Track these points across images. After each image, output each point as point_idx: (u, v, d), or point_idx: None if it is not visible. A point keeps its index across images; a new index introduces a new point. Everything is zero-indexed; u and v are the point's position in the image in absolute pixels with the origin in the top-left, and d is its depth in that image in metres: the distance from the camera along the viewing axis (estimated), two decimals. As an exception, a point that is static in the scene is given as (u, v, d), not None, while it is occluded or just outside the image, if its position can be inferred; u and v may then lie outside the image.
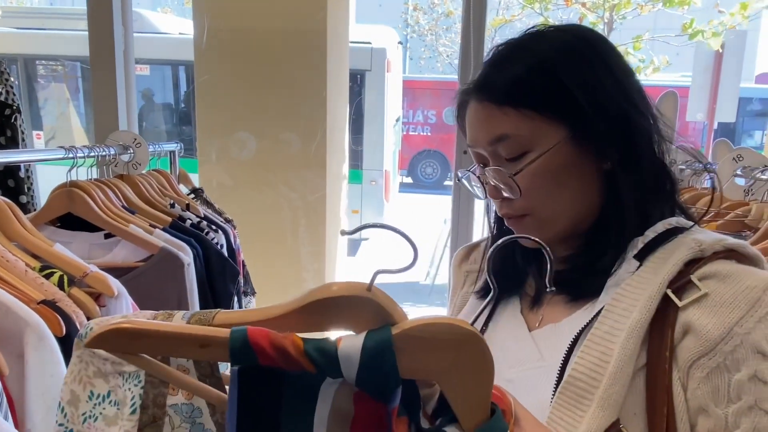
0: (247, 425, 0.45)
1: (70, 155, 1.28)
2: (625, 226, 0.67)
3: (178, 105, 6.59)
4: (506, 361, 0.71)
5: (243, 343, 0.43)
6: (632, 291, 0.63)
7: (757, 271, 0.62)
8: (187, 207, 1.53)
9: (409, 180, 10.90)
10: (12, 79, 1.85)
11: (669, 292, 0.61)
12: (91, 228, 1.29)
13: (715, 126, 6.31)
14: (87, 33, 1.92)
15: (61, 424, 0.52)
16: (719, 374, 0.58)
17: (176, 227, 1.40)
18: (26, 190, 1.79)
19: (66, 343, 0.90)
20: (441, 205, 6.03)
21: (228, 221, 1.64)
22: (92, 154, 1.35)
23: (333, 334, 0.45)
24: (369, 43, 5.82)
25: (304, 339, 0.44)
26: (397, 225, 0.44)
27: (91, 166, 1.38)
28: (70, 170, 1.29)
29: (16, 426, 0.85)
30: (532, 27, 0.72)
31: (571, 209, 0.69)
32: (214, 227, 1.51)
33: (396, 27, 8.76)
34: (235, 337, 0.43)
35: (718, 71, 5.84)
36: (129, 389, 0.53)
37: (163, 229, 1.35)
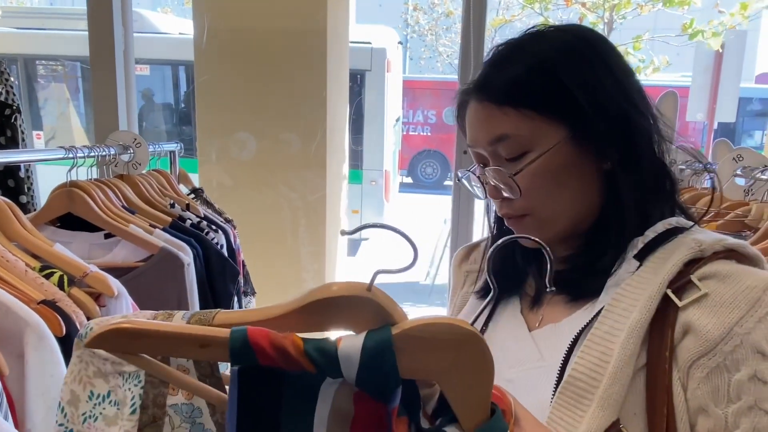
0: (247, 425, 0.45)
1: (70, 155, 1.28)
2: (625, 226, 0.67)
3: (178, 105, 6.59)
4: (506, 361, 0.71)
5: (243, 343, 0.43)
6: (632, 291, 0.63)
7: (757, 271, 0.62)
8: (187, 207, 1.53)
9: (409, 180, 10.90)
10: (12, 79, 1.85)
11: (669, 292, 0.62)
12: (91, 228, 1.29)
13: (715, 126, 6.31)
14: (87, 33, 1.92)
15: (61, 424, 0.52)
16: (719, 374, 0.58)
17: (176, 227, 1.40)
18: (26, 190, 1.79)
19: (66, 343, 0.90)
20: (441, 205, 6.03)
21: (228, 221, 1.64)
22: (92, 154, 1.35)
23: (333, 334, 0.45)
24: (369, 43, 5.82)
25: (304, 339, 0.44)
26: (397, 225, 0.44)
27: (91, 166, 1.38)
28: (70, 170, 1.29)
29: (16, 426, 0.85)
30: (532, 27, 0.72)
31: (571, 209, 0.69)
32: (214, 227, 1.51)
33: (396, 27, 8.76)
34: (235, 337, 0.43)
35: (718, 71, 5.84)
36: (129, 389, 0.53)
37: (163, 229, 1.35)
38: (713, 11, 6.67)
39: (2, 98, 1.77)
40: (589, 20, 6.81)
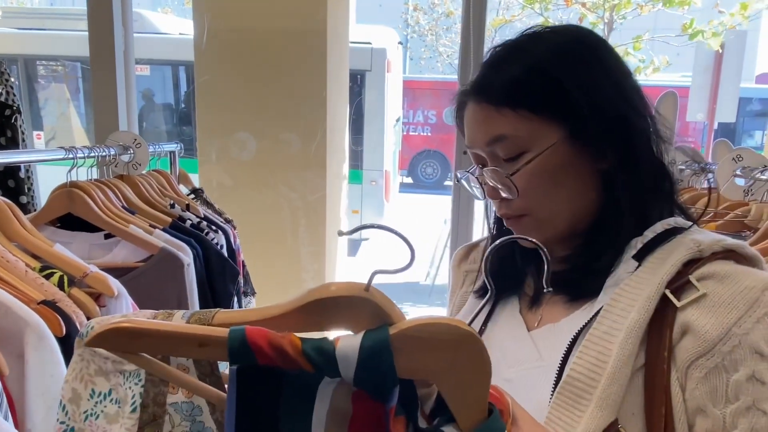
0: (246, 424, 0.46)
1: (70, 156, 1.29)
2: (623, 226, 0.68)
3: (179, 105, 6.60)
4: (505, 360, 0.71)
5: (241, 342, 0.43)
6: (631, 291, 0.63)
7: (756, 272, 0.62)
8: (187, 207, 1.53)
9: (409, 180, 10.91)
10: (12, 79, 1.85)
11: (667, 292, 0.62)
12: (91, 228, 1.30)
13: (716, 126, 6.31)
14: (87, 33, 1.92)
15: (62, 422, 0.53)
16: (717, 374, 0.58)
17: (176, 227, 1.40)
18: (26, 191, 1.79)
19: (66, 343, 0.91)
20: (441, 205, 6.03)
21: (228, 221, 1.64)
22: (92, 154, 1.35)
23: (332, 334, 0.46)
24: (369, 43, 5.82)
25: (302, 339, 0.44)
26: (397, 225, 0.45)
27: (91, 167, 1.39)
28: (70, 171, 1.29)
29: (17, 426, 0.85)
30: (530, 28, 0.72)
31: (569, 209, 0.70)
32: (213, 227, 1.51)
33: (396, 27, 8.77)
34: (233, 336, 0.44)
35: (718, 71, 5.84)
36: (130, 388, 0.53)
37: (163, 230, 1.35)
38: (713, 11, 6.67)
39: (2, 99, 1.77)
40: (589, 20, 6.81)
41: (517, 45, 0.71)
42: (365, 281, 0.44)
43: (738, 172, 1.31)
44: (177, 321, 0.51)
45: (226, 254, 1.49)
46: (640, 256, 0.66)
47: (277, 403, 0.45)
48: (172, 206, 1.49)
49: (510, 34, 0.74)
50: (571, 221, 0.70)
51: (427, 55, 14.52)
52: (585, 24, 6.67)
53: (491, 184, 0.70)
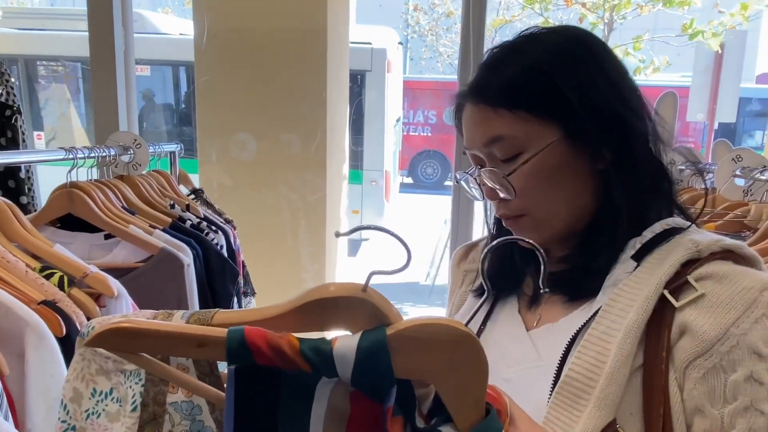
0: (245, 423, 0.46)
1: (71, 156, 1.29)
2: (621, 226, 0.68)
3: (179, 105, 6.60)
4: (504, 360, 0.71)
5: (240, 342, 0.44)
6: (629, 291, 0.63)
7: (754, 272, 0.62)
8: (187, 208, 1.54)
9: (409, 180, 10.91)
10: (12, 79, 1.85)
11: (666, 292, 0.62)
12: (91, 229, 1.30)
13: (716, 126, 6.31)
14: (87, 34, 1.92)
15: (63, 421, 0.53)
16: (715, 375, 0.58)
17: (176, 228, 1.40)
18: (27, 191, 1.79)
19: (66, 344, 0.91)
20: (441, 206, 6.03)
21: (228, 222, 1.64)
22: (92, 155, 1.35)
23: (330, 335, 0.46)
24: (369, 43, 5.82)
25: (300, 339, 0.44)
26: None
27: (92, 167, 1.39)
28: (70, 171, 1.29)
29: (17, 426, 0.85)
30: (527, 29, 0.72)
31: (567, 209, 0.70)
32: (213, 228, 1.51)
33: (396, 27, 8.76)
34: (232, 336, 0.44)
35: (718, 71, 5.84)
36: (130, 387, 0.54)
37: (163, 230, 1.35)
38: (713, 11, 6.67)
39: (3, 99, 1.78)
40: (589, 20, 6.81)
41: (513, 46, 0.71)
42: (364, 282, 0.45)
43: (737, 173, 1.31)
44: (176, 321, 0.51)
45: (226, 254, 1.49)
46: (639, 257, 0.66)
47: (276, 403, 0.46)
48: (172, 207, 1.49)
49: (510, 34, 0.74)
50: (569, 221, 0.70)
51: (428, 55, 14.52)
52: (585, 24, 6.68)
53: (489, 184, 0.71)
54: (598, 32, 6.77)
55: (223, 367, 0.54)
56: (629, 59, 6.66)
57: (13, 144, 1.74)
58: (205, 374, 0.54)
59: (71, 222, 1.30)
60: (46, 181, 1.67)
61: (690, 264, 0.63)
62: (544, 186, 0.68)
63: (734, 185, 1.33)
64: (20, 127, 1.75)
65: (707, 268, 0.62)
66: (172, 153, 1.74)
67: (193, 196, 1.70)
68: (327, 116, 2.40)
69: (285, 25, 2.33)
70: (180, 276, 1.28)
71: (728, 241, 0.64)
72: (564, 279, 0.70)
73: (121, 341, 0.48)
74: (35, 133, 6.24)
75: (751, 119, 9.58)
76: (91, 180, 1.37)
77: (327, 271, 2.55)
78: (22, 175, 1.78)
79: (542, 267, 0.58)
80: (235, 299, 1.49)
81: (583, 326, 0.65)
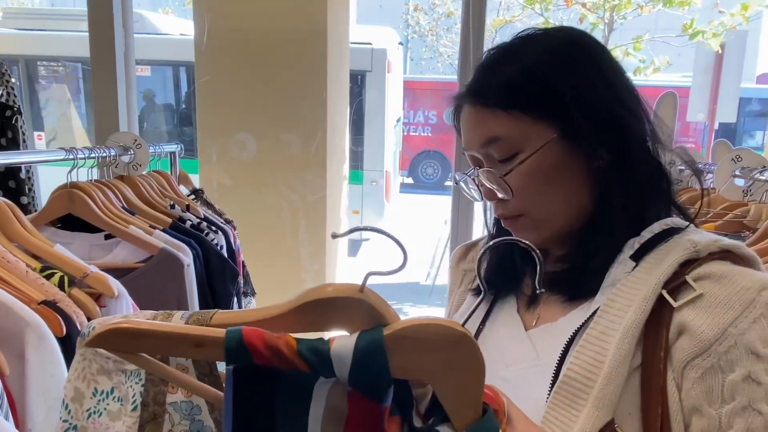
0: (243, 423, 0.46)
1: (71, 156, 1.29)
2: (619, 226, 0.68)
3: (179, 106, 6.60)
4: (503, 360, 0.71)
5: (238, 343, 0.44)
6: (627, 291, 0.64)
7: (752, 272, 0.62)
8: (187, 208, 1.54)
9: (409, 180, 10.91)
10: (13, 80, 1.85)
11: (664, 292, 0.62)
12: (91, 229, 1.30)
13: (716, 126, 6.31)
14: (88, 34, 1.92)
15: (65, 420, 0.53)
16: (713, 375, 0.58)
17: (176, 228, 1.41)
18: (27, 191, 1.80)
19: (66, 344, 0.91)
20: (442, 206, 6.03)
21: (228, 222, 1.65)
22: (92, 155, 1.35)
23: (329, 335, 0.46)
24: (370, 43, 5.82)
25: (297, 339, 0.44)
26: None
27: (92, 167, 1.39)
28: (70, 171, 1.30)
29: (17, 425, 0.85)
30: (524, 30, 0.73)
31: (565, 209, 0.70)
32: (213, 228, 1.51)
33: (396, 27, 8.77)
34: (230, 337, 0.44)
35: (718, 71, 5.84)
36: (131, 386, 0.54)
37: (163, 230, 1.35)
38: (713, 11, 6.67)
39: (3, 100, 1.78)
40: (590, 21, 6.81)
41: (510, 47, 0.71)
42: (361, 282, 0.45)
43: (737, 173, 1.31)
44: (176, 322, 0.51)
45: (226, 255, 1.49)
46: (638, 257, 0.66)
47: (274, 403, 0.46)
48: (172, 207, 1.49)
49: (510, 34, 0.74)
50: (567, 221, 0.70)
51: (428, 55, 14.53)
52: (585, 24, 6.68)
53: (487, 185, 0.71)
54: (599, 32, 6.77)
55: (222, 367, 0.54)
56: (629, 59, 6.67)
57: (13, 144, 1.74)
58: (204, 374, 0.54)
59: (71, 222, 1.30)
60: (47, 182, 1.67)
61: (688, 264, 0.63)
62: (541, 186, 0.68)
63: (734, 185, 1.33)
64: (21, 127, 1.76)
65: (705, 268, 0.62)
66: (173, 153, 1.74)
67: (193, 197, 1.70)
68: (327, 116, 2.40)
69: (285, 25, 2.33)
70: (180, 276, 1.28)
71: (726, 242, 0.65)
72: (563, 279, 0.71)
73: (121, 341, 0.48)
74: (36, 133, 6.24)
75: (751, 119, 9.58)
76: (91, 180, 1.37)
77: (327, 271, 2.55)
78: (23, 175, 1.78)
79: (538, 267, 0.58)
80: (235, 299, 1.50)
81: (581, 326, 0.65)
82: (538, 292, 0.59)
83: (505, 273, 0.78)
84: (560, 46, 0.69)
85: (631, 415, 0.61)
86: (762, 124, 9.64)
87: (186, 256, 1.30)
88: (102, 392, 0.54)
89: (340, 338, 0.44)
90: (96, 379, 0.54)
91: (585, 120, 0.66)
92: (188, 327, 0.48)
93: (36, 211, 1.59)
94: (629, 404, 0.61)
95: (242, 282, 1.60)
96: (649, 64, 6.98)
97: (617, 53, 6.61)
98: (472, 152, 0.72)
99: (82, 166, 1.33)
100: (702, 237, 0.65)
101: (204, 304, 1.36)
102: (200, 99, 2.46)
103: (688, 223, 0.69)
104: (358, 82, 5.82)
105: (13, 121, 1.74)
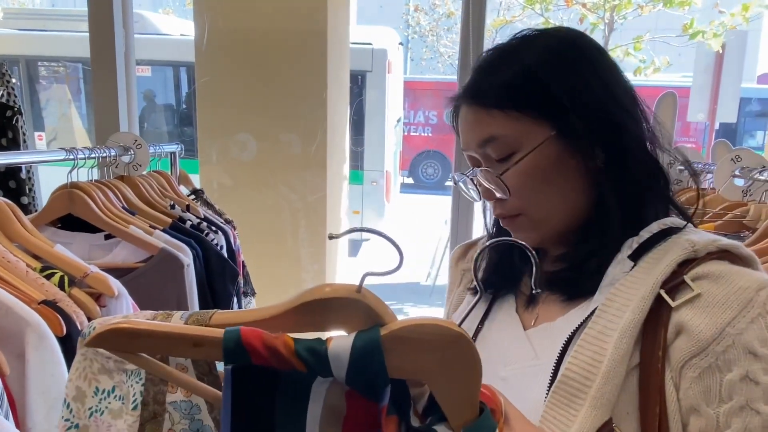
0: (241, 423, 0.46)
1: (71, 157, 1.29)
2: (617, 226, 0.68)
3: (180, 106, 6.61)
4: (501, 359, 0.72)
5: (236, 343, 0.44)
6: (626, 291, 0.64)
7: (750, 272, 0.62)
8: (187, 208, 1.54)
9: (410, 180, 10.92)
10: (13, 80, 1.86)
11: (662, 292, 0.62)
12: (91, 229, 1.30)
13: (717, 126, 6.31)
14: (88, 34, 1.93)
15: (67, 419, 0.54)
16: (711, 374, 0.58)
17: (176, 228, 1.41)
18: (27, 192, 1.80)
19: (66, 343, 0.91)
20: (442, 206, 6.03)
21: (228, 222, 1.65)
22: (93, 155, 1.35)
23: (327, 335, 0.46)
24: (370, 44, 5.83)
25: (295, 339, 0.45)
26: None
27: (92, 168, 1.39)
28: (70, 171, 1.30)
29: (17, 425, 0.85)
30: (521, 31, 0.73)
31: (563, 207, 0.70)
32: (213, 228, 1.52)
33: (397, 28, 8.77)
34: (228, 337, 0.44)
35: (719, 72, 5.84)
36: (131, 386, 0.54)
37: (163, 230, 1.36)
38: (713, 11, 6.67)
39: (3, 100, 1.78)
40: (590, 21, 6.81)
41: (506, 48, 0.72)
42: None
43: (737, 173, 1.32)
44: (175, 322, 0.52)
45: (226, 255, 1.50)
46: (636, 256, 0.66)
47: (272, 402, 0.46)
48: (173, 207, 1.50)
49: (510, 34, 0.74)
50: (565, 220, 0.71)
51: (428, 55, 14.53)
52: (585, 24, 6.68)
53: (485, 185, 0.71)
54: (599, 32, 6.77)
55: (221, 366, 0.54)
56: (630, 59, 6.66)
57: (14, 144, 1.74)
58: (203, 374, 0.55)
59: (72, 222, 1.30)
60: (47, 182, 1.68)
61: (686, 264, 0.63)
62: (538, 184, 0.69)
63: (733, 185, 1.33)
64: (21, 127, 1.76)
65: (703, 267, 0.62)
66: (173, 153, 1.74)
67: (193, 197, 1.70)
68: (327, 116, 2.40)
69: (285, 25, 2.33)
70: (180, 276, 1.28)
71: (725, 241, 0.65)
72: (561, 278, 0.71)
73: (121, 341, 0.49)
74: (36, 133, 6.25)
75: (752, 119, 9.58)
76: (91, 180, 1.37)
77: (327, 272, 2.55)
78: (23, 175, 1.78)
79: (534, 268, 0.58)
80: (235, 299, 1.50)
81: (580, 326, 0.65)
82: (534, 292, 0.60)
83: (503, 273, 0.78)
84: (558, 47, 0.69)
85: (629, 414, 0.61)
86: (762, 124, 9.63)
87: (186, 256, 1.31)
88: (103, 391, 0.54)
89: (338, 338, 0.44)
90: (97, 378, 0.54)
91: (581, 120, 0.66)
92: (187, 327, 0.48)
93: (36, 211, 1.59)
94: (627, 404, 0.61)
95: (242, 282, 1.60)
96: (649, 64, 6.98)
97: (617, 53, 6.61)
98: (470, 152, 0.72)
99: (82, 167, 1.34)
100: (700, 237, 0.65)
101: (204, 304, 1.36)
102: (200, 99, 2.47)
103: (686, 222, 0.69)
104: (358, 82, 5.82)
105: (14, 122, 1.74)
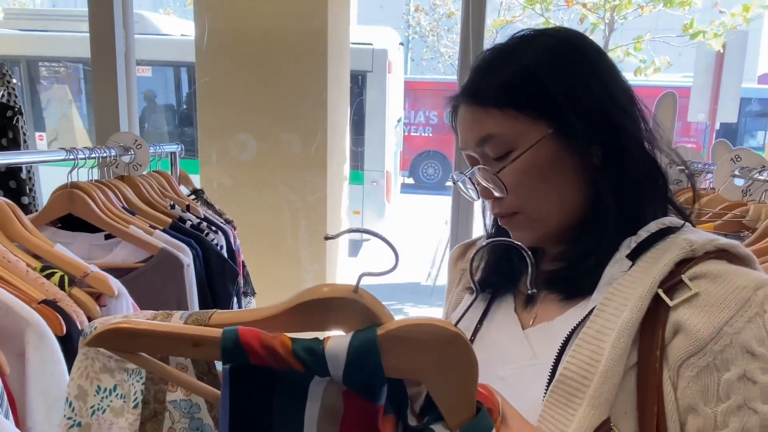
0: (240, 421, 0.46)
1: (71, 157, 1.29)
2: (615, 225, 0.68)
3: (180, 106, 6.62)
4: (500, 359, 0.72)
5: (234, 342, 0.44)
6: (624, 290, 0.64)
7: (748, 272, 0.62)
8: (187, 208, 1.54)
9: (410, 181, 10.92)
10: (14, 80, 1.86)
11: (660, 291, 0.62)
12: (91, 229, 1.30)
13: (717, 126, 6.31)
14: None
15: (69, 418, 0.54)
16: (709, 373, 0.58)
17: (176, 228, 1.41)
18: (28, 192, 1.80)
19: (66, 343, 0.92)
20: (442, 206, 6.03)
21: (228, 222, 1.65)
22: (93, 155, 1.36)
23: (326, 335, 0.46)
24: (370, 44, 5.83)
25: (292, 339, 0.45)
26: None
27: (92, 168, 1.39)
28: (70, 171, 1.30)
29: (17, 424, 0.86)
30: (520, 31, 0.73)
31: (560, 206, 0.70)
32: (213, 228, 1.52)
33: (397, 28, 8.78)
34: (226, 336, 0.45)
35: (719, 72, 5.84)
36: (132, 384, 0.55)
37: (163, 230, 1.36)
38: (713, 11, 6.67)
39: (4, 100, 1.79)
40: (590, 21, 6.81)
41: (504, 48, 0.72)
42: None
43: (736, 173, 1.32)
44: (175, 321, 0.52)
45: (226, 255, 1.50)
46: (634, 256, 0.66)
47: (270, 402, 0.46)
48: (173, 207, 1.50)
49: (510, 35, 0.75)
50: (563, 219, 0.71)
51: (429, 55, 14.54)
52: (586, 24, 6.68)
53: (483, 183, 0.71)
54: (599, 33, 6.77)
55: (221, 366, 0.54)
56: (630, 59, 6.67)
57: (14, 145, 1.75)
58: (203, 373, 0.55)
59: (72, 222, 1.30)
60: (48, 182, 1.68)
61: (684, 263, 0.63)
62: (535, 182, 0.69)
63: (733, 185, 1.33)
64: (22, 128, 1.76)
65: (701, 267, 0.62)
66: (173, 153, 1.74)
67: (193, 197, 1.70)
68: (327, 116, 2.41)
69: (286, 25, 2.34)
70: (180, 276, 1.28)
71: (722, 241, 0.65)
72: (560, 277, 0.71)
73: (120, 341, 0.49)
74: (37, 133, 6.26)
75: (752, 119, 9.57)
76: (91, 180, 1.38)
77: (327, 272, 2.55)
78: (24, 175, 1.79)
79: (529, 268, 0.59)
80: (235, 299, 1.50)
81: (578, 325, 0.65)
82: (529, 292, 0.60)
83: (502, 272, 0.78)
84: (557, 47, 0.70)
85: (627, 414, 0.61)
86: (763, 124, 9.63)
87: (186, 256, 1.31)
88: (105, 389, 0.54)
89: (335, 338, 0.45)
90: (99, 377, 0.55)
91: (579, 119, 0.67)
92: (186, 327, 0.48)
93: (37, 211, 1.60)
94: (625, 403, 0.61)
95: (242, 282, 1.60)
96: (649, 64, 6.98)
97: (618, 53, 6.61)
98: (469, 151, 0.73)
99: (82, 167, 1.34)
100: (698, 236, 0.65)
101: (204, 304, 1.36)
102: (201, 99, 2.47)
103: (684, 222, 0.69)
104: (358, 82, 5.82)
105: (14, 122, 1.74)
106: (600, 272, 0.67)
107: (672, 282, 0.62)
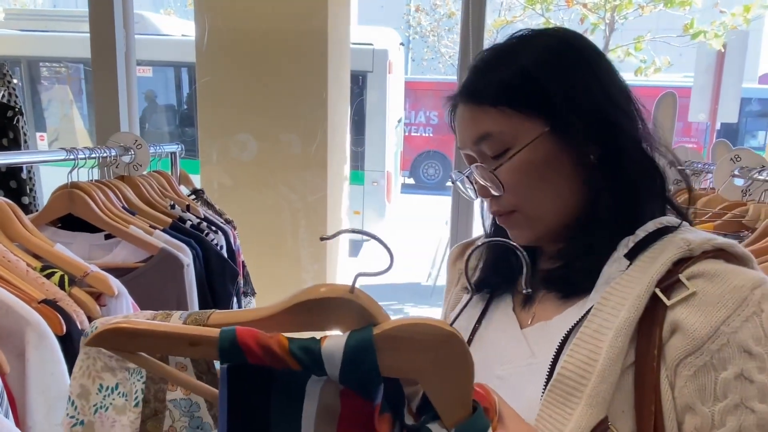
0: (238, 420, 0.47)
1: (71, 157, 1.30)
2: (612, 224, 0.68)
3: (181, 106, 6.62)
4: (498, 358, 0.72)
5: (231, 342, 0.45)
6: (621, 290, 0.64)
7: (745, 271, 0.62)
8: (188, 208, 1.54)
9: (411, 181, 10.92)
10: (15, 81, 1.86)
11: (657, 291, 0.62)
12: (91, 229, 1.31)
13: (718, 126, 6.31)
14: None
15: (72, 416, 0.54)
16: (706, 373, 0.58)
17: (176, 228, 1.41)
18: (28, 192, 1.81)
19: (66, 342, 0.92)
20: (443, 206, 6.03)
21: (228, 222, 1.65)
22: (93, 155, 1.36)
23: (323, 334, 0.47)
24: (371, 44, 5.83)
25: (289, 338, 0.45)
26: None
27: (93, 168, 1.40)
28: (71, 171, 1.30)
29: (17, 424, 0.86)
30: (518, 31, 0.74)
31: (557, 205, 0.70)
32: (213, 228, 1.52)
33: (398, 28, 8.78)
34: (224, 336, 0.45)
35: (720, 72, 5.84)
36: (133, 383, 0.55)
37: (163, 230, 1.36)
38: (714, 11, 6.67)
39: (5, 100, 1.79)
40: (591, 21, 6.81)
41: (503, 47, 0.72)
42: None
43: (736, 173, 1.32)
44: (174, 321, 0.52)
45: (226, 255, 1.50)
46: (632, 255, 0.66)
47: (268, 401, 0.47)
48: (173, 207, 1.50)
49: (509, 35, 0.75)
50: (560, 217, 0.71)
51: (429, 56, 14.54)
52: (586, 24, 6.68)
53: (480, 182, 0.72)
54: (600, 33, 6.77)
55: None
56: (630, 59, 6.67)
57: (15, 145, 1.75)
58: (202, 372, 0.55)
59: (72, 222, 1.31)
60: (48, 182, 1.68)
61: (682, 262, 0.63)
62: (532, 180, 0.69)
63: (733, 185, 1.34)
64: (22, 128, 1.76)
65: (699, 266, 0.62)
66: (173, 153, 1.75)
67: (193, 197, 1.71)
68: (328, 117, 2.41)
69: (286, 26, 2.34)
70: (180, 276, 1.28)
71: (720, 240, 0.65)
72: (558, 276, 0.71)
73: (120, 341, 0.49)
74: (38, 134, 6.26)
75: (753, 119, 9.56)
76: (91, 180, 1.38)
77: (327, 272, 2.55)
78: (24, 175, 1.79)
79: (524, 268, 0.59)
80: (235, 299, 1.50)
81: (575, 324, 0.66)
82: (524, 291, 0.60)
83: (500, 272, 0.78)
84: (556, 47, 0.70)
85: (625, 413, 0.61)
86: (764, 124, 9.62)
87: (186, 256, 1.31)
88: (107, 388, 0.55)
89: (331, 337, 0.45)
90: (101, 376, 0.55)
91: (577, 118, 0.67)
92: (184, 327, 0.48)
93: (37, 211, 1.60)
94: (623, 402, 0.61)
95: (242, 282, 1.60)
96: (650, 64, 6.98)
97: (618, 53, 6.61)
98: (467, 150, 0.73)
99: (82, 167, 1.34)
100: (696, 235, 0.66)
101: (204, 304, 1.37)
102: (201, 99, 2.47)
103: (681, 221, 0.69)
104: (359, 82, 5.82)
105: (15, 122, 1.74)
106: (598, 271, 0.67)
107: (669, 281, 0.62)
